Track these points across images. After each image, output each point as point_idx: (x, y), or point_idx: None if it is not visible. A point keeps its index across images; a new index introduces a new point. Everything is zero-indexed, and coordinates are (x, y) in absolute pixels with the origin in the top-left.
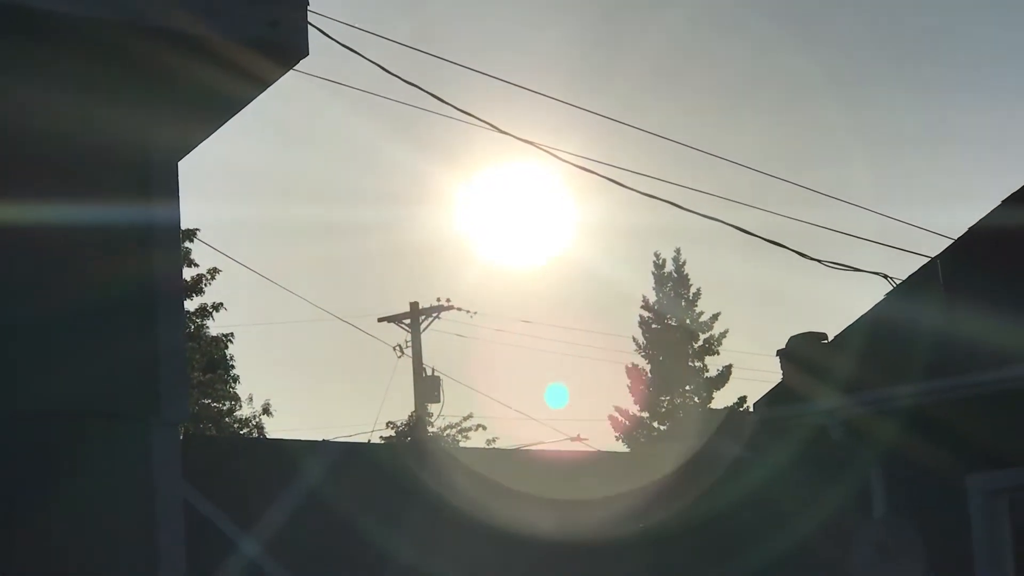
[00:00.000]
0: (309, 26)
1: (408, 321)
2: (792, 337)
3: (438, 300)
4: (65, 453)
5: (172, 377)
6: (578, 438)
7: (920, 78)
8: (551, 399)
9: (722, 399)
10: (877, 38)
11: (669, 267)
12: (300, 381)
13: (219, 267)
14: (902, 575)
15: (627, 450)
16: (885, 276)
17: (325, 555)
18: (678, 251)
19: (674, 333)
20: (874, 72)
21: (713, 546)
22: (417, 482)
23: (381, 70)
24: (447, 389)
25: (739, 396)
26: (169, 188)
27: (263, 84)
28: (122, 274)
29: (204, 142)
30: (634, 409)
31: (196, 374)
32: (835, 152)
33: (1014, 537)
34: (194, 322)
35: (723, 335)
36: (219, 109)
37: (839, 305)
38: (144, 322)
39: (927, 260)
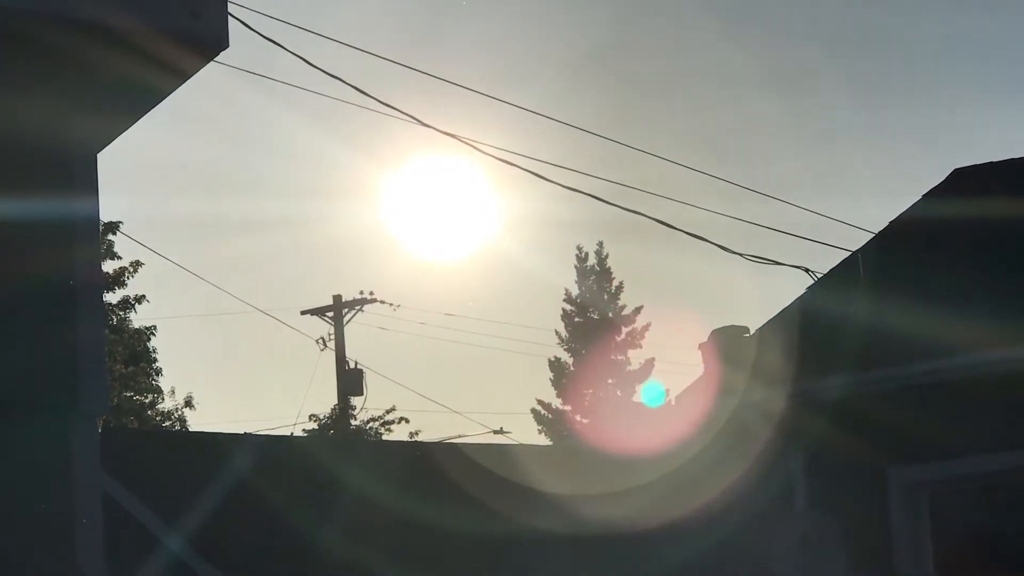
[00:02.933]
0: (230, 17)
1: (331, 314)
2: (714, 331)
3: (361, 293)
4: None
5: (91, 369)
6: (500, 431)
7: (846, 73)
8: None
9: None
10: (804, 32)
11: (592, 260)
12: (223, 374)
13: (142, 260)
14: (823, 567)
15: (549, 443)
16: (807, 270)
17: (252, 550)
18: (601, 244)
19: (596, 326)
20: (801, 66)
21: (634, 540)
22: (344, 475)
23: (303, 62)
24: (370, 382)
25: None
26: (88, 180)
27: (183, 76)
28: (40, 266)
29: (126, 134)
30: (556, 402)
31: (118, 367)
32: (759, 146)
33: (934, 530)
34: (116, 315)
35: (645, 328)
36: (138, 101)
37: (761, 299)
38: (63, 314)
39: (849, 254)
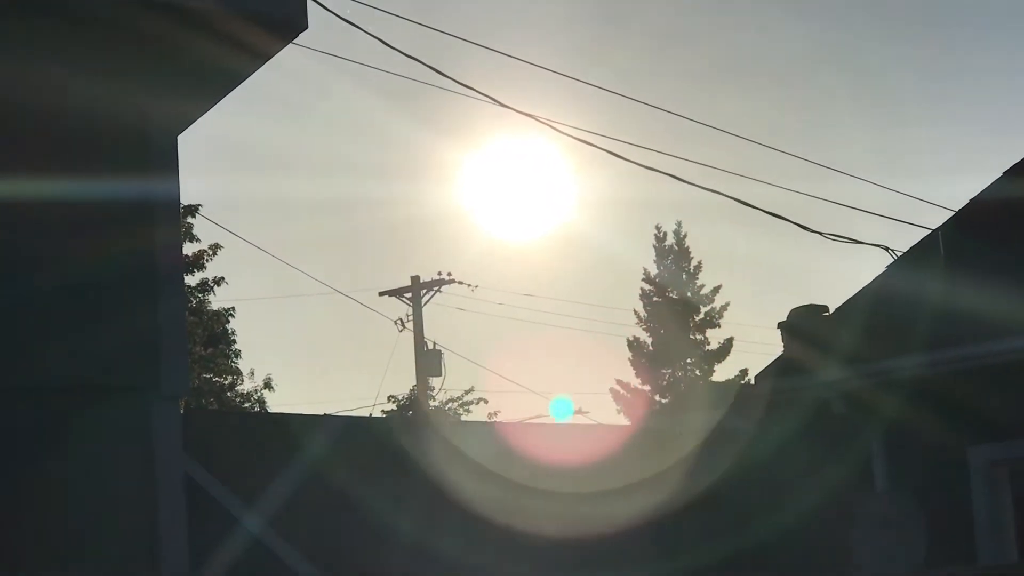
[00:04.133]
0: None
1: (409, 295)
2: (793, 310)
3: (439, 274)
4: (66, 426)
5: (173, 351)
6: (579, 411)
7: (925, 50)
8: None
9: (723, 372)
10: (882, 9)
11: (670, 240)
12: (302, 355)
13: (221, 243)
14: (903, 547)
15: (628, 423)
16: (886, 248)
17: (327, 529)
18: (679, 224)
19: (675, 306)
20: (878, 43)
21: (716, 520)
22: (419, 456)
23: (381, 43)
24: (448, 363)
25: (740, 369)
26: (169, 163)
27: (263, 57)
28: (123, 249)
29: (205, 117)
30: (635, 382)
31: (197, 348)
32: (837, 124)
33: (1015, 508)
34: (196, 297)
35: (724, 308)
36: (219, 83)
37: (840, 277)
38: (145, 296)
39: (928, 232)
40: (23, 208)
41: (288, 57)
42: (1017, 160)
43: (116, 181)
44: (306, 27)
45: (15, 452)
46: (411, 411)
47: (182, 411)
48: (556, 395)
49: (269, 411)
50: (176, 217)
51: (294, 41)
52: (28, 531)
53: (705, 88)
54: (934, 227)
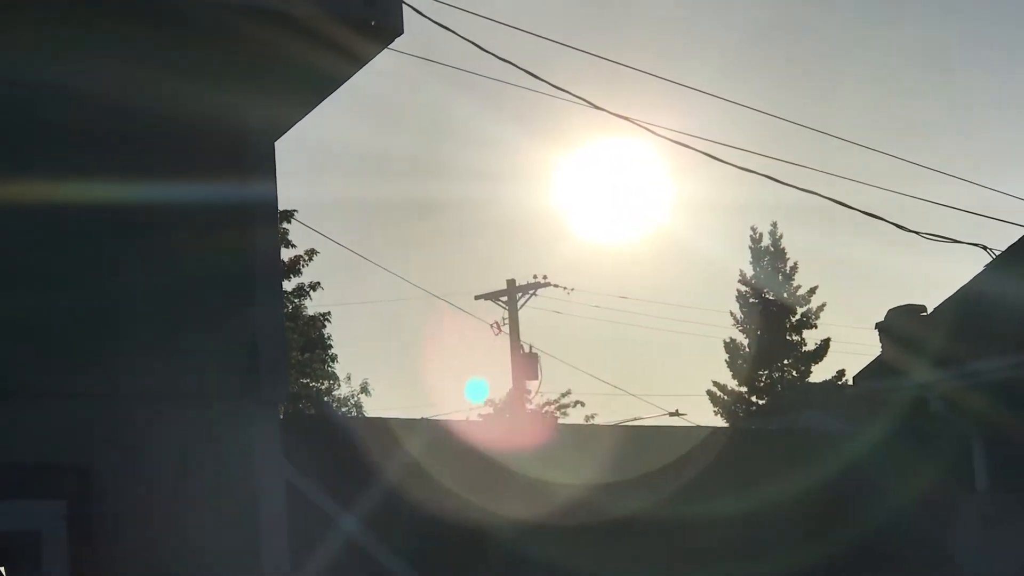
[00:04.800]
0: (403, 4)
1: (505, 298)
2: (891, 310)
3: (535, 277)
4: (166, 433)
5: (272, 357)
6: (676, 413)
7: (1017, 46)
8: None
9: (820, 373)
10: (980, 8)
11: (766, 241)
12: (397, 360)
13: (316, 248)
14: (1004, 546)
15: (725, 425)
16: (984, 247)
17: (425, 532)
18: (775, 225)
19: (771, 307)
20: (972, 42)
21: (814, 518)
22: (515, 459)
23: (475, 47)
24: (545, 366)
25: (837, 370)
26: (267, 168)
27: (360, 62)
28: (221, 255)
29: (300, 121)
30: (732, 384)
31: (294, 354)
32: (934, 123)
33: None
34: (291, 302)
35: (820, 309)
36: (317, 87)
37: (937, 278)
38: (244, 303)
39: None
40: (123, 212)
41: (382, 62)
42: None
43: (215, 186)
44: (402, 32)
45: (116, 459)
46: (508, 414)
47: (281, 417)
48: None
49: (366, 415)
50: (274, 222)
51: (392, 47)
52: (135, 534)
53: (800, 88)
54: None
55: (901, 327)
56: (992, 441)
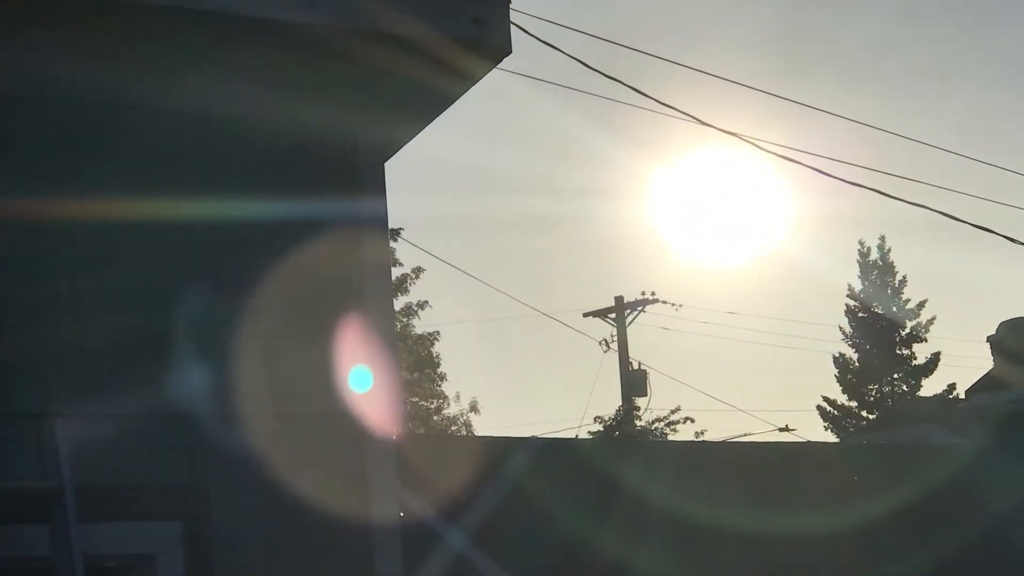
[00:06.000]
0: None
1: (613, 315)
2: (1002, 324)
3: (643, 294)
4: (282, 452)
5: (383, 375)
6: (786, 428)
7: None
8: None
9: (930, 387)
10: None
11: (874, 255)
12: (507, 378)
13: (423, 266)
14: None
15: (835, 440)
16: None
17: (529, 546)
18: (883, 239)
19: (880, 321)
20: None
21: (923, 535)
22: (622, 476)
23: (581, 65)
24: (654, 382)
25: (948, 384)
26: (377, 187)
27: (469, 81)
28: (333, 273)
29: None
30: (842, 398)
31: (403, 373)
32: None
33: None
34: (400, 321)
35: (930, 322)
36: (428, 107)
37: None
38: (356, 320)
39: None
40: (235, 231)
41: (491, 80)
42: None
43: (326, 205)
44: (510, 51)
45: (226, 477)
46: (617, 432)
47: (394, 436)
48: (763, 412)
49: (476, 434)
50: (385, 242)
51: (498, 65)
52: (246, 561)
53: (908, 100)
54: None
55: (1013, 341)
56: None
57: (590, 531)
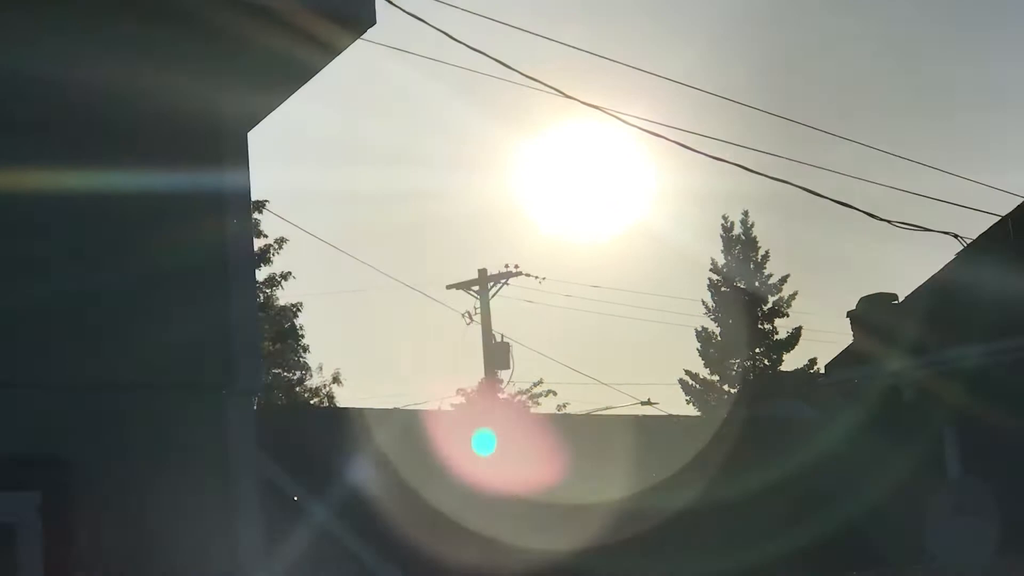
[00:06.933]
0: None
1: (477, 288)
2: (862, 299)
3: (506, 266)
4: (144, 422)
5: (246, 347)
6: (648, 402)
7: (996, 37)
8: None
9: (792, 362)
10: None
11: (737, 230)
12: (369, 350)
13: (286, 237)
14: (976, 534)
15: (698, 414)
16: (955, 236)
17: (394, 520)
18: (746, 214)
19: (743, 296)
20: (944, 30)
21: (786, 508)
22: (484, 447)
23: (447, 37)
24: (517, 355)
25: (809, 358)
26: (240, 158)
27: (333, 52)
28: (196, 244)
29: (273, 111)
30: (704, 372)
31: (266, 344)
32: (905, 112)
33: None
34: (263, 292)
35: (792, 297)
36: (290, 78)
37: (909, 266)
38: (218, 292)
39: (998, 219)
40: (96, 201)
41: (354, 52)
42: None
43: (188, 176)
44: (375, 22)
45: (90, 448)
46: (480, 404)
47: (255, 407)
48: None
49: (338, 405)
50: (248, 212)
51: (365, 37)
52: (107, 525)
53: (773, 78)
54: (1004, 214)
55: (872, 316)
56: (964, 429)
57: (456, 501)
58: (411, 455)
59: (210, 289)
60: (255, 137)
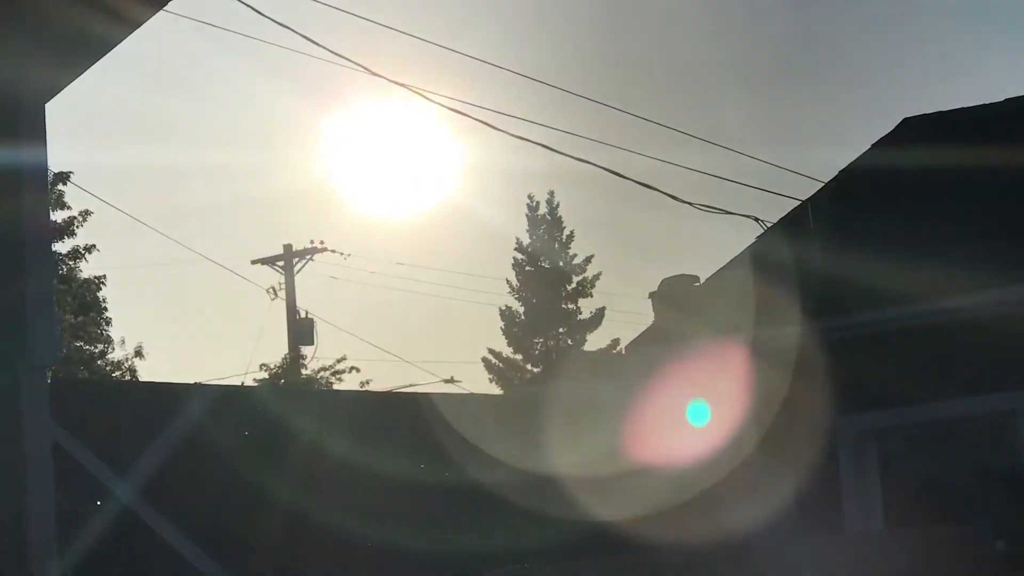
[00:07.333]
0: None
1: (282, 263)
2: (664, 280)
3: (312, 242)
4: None
5: (40, 319)
6: (451, 380)
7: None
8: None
9: (595, 342)
10: None
11: (543, 209)
12: (173, 324)
13: (91, 209)
14: (775, 515)
15: (500, 392)
16: (756, 219)
17: (201, 499)
18: (552, 194)
19: (547, 275)
20: (751, 12)
21: (586, 488)
22: (296, 424)
23: (254, 11)
24: (321, 331)
25: (612, 338)
26: (37, 130)
27: (132, 24)
28: None
29: (80, 84)
30: (507, 351)
31: (67, 317)
32: (708, 93)
33: (882, 478)
34: (66, 264)
35: (596, 277)
36: (87, 50)
37: (712, 248)
38: (11, 264)
39: (799, 203)
40: None
41: (164, 26)
42: (885, 133)
43: None
44: None
45: None
46: (283, 380)
47: (50, 380)
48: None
49: (140, 379)
50: (44, 185)
51: (168, 9)
52: None
53: (578, 57)
54: (804, 198)
55: (674, 296)
56: (763, 411)
57: (264, 479)
58: (217, 430)
59: (3, 262)
60: (61, 110)
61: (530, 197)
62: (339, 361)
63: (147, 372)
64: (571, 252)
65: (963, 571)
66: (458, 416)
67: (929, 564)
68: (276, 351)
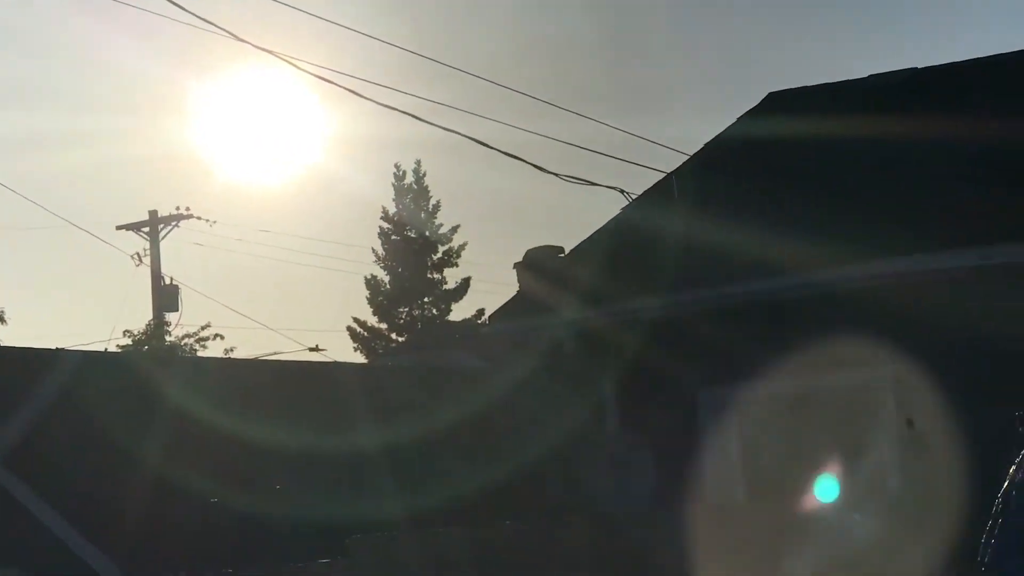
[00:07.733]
0: None
1: (147, 230)
2: (529, 250)
3: (177, 209)
4: None
5: None
6: (316, 348)
7: None
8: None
9: (460, 311)
10: None
11: (409, 179)
12: (35, 290)
13: None
14: (632, 485)
15: (364, 361)
16: (622, 191)
17: (67, 466)
18: (418, 163)
19: (413, 244)
20: None
21: (454, 457)
22: (161, 391)
23: None
24: (186, 298)
25: (478, 308)
26: None
27: None
28: None
29: None
30: (372, 320)
31: None
32: (575, 65)
33: (742, 450)
34: None
35: (462, 247)
36: None
37: (578, 219)
38: None
39: (664, 175)
40: None
41: None
42: (754, 104)
43: None
44: None
45: None
46: (147, 346)
47: None
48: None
49: (1, 345)
50: None
51: None
52: None
53: (446, 26)
54: (669, 170)
55: (539, 267)
56: (626, 382)
57: (130, 444)
58: (82, 397)
59: None
60: None
61: (396, 166)
62: (203, 328)
63: (8, 338)
64: (437, 222)
65: None
66: (322, 384)
67: None
68: (140, 318)
